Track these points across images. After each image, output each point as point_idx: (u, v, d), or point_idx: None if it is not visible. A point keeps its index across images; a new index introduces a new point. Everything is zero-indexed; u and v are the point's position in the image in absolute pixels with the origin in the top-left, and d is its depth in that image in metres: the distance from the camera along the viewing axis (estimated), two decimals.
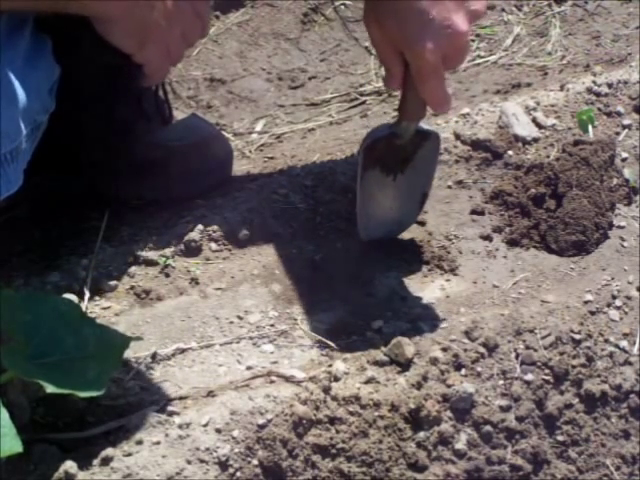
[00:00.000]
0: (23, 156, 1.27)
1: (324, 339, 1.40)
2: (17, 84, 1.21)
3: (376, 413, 1.30)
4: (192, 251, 1.52)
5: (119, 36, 1.27)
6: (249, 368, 1.34)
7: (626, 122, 1.76)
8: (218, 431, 1.23)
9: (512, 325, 1.41)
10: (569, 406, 1.41)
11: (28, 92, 1.23)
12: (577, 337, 1.43)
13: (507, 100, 1.81)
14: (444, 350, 1.37)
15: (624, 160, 1.69)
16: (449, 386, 1.35)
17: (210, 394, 1.28)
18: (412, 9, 1.30)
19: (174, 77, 2.08)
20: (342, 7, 2.26)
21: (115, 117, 1.62)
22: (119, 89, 1.61)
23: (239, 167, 1.79)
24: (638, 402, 1.45)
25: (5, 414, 1.10)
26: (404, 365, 1.35)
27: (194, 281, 1.48)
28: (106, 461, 1.18)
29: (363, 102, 2.05)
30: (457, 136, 1.72)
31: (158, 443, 1.20)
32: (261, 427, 1.24)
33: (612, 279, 1.52)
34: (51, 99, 1.31)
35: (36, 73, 1.26)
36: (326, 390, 1.29)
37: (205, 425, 1.23)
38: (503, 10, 2.25)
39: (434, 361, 1.36)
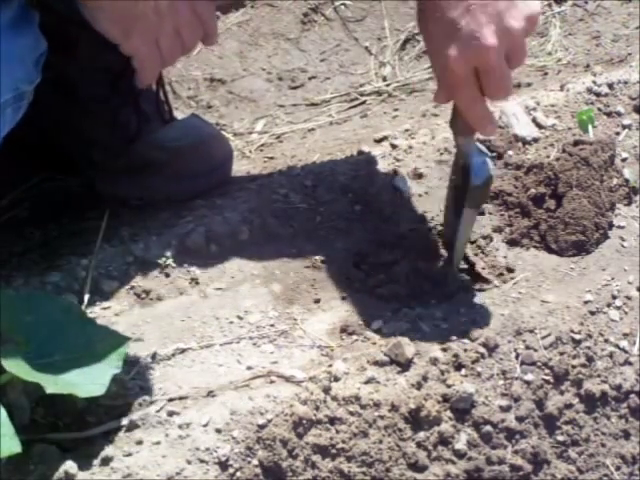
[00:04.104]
0: (4, 123, 1.26)
1: (324, 339, 1.40)
2: None
3: (376, 413, 1.30)
4: (192, 251, 1.52)
5: (104, 22, 1.26)
6: (249, 368, 1.34)
7: (626, 122, 1.76)
8: (218, 431, 1.23)
9: (512, 325, 1.41)
10: (569, 406, 1.41)
11: (10, 57, 1.23)
12: (577, 337, 1.43)
13: (507, 100, 1.81)
14: (444, 350, 1.37)
15: (624, 160, 1.69)
16: (449, 386, 1.35)
17: (210, 394, 1.28)
18: (443, 18, 1.29)
19: (174, 77, 2.08)
20: (342, 7, 2.25)
21: (115, 118, 1.62)
22: (118, 90, 1.61)
23: (239, 167, 1.79)
24: (638, 402, 1.45)
25: (5, 414, 1.10)
26: (404, 365, 1.35)
27: (194, 281, 1.48)
28: (106, 461, 1.18)
29: (363, 102, 2.05)
30: None
31: (158, 443, 1.21)
32: (261, 427, 1.24)
33: (612, 279, 1.52)
34: (37, 71, 1.30)
35: (20, 40, 1.25)
36: (326, 390, 1.29)
37: (205, 425, 1.23)
38: None
39: (434, 361, 1.36)
